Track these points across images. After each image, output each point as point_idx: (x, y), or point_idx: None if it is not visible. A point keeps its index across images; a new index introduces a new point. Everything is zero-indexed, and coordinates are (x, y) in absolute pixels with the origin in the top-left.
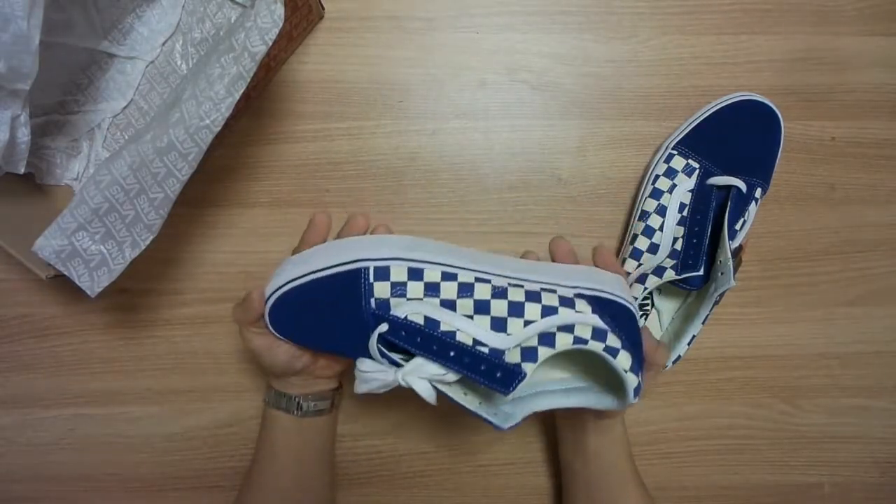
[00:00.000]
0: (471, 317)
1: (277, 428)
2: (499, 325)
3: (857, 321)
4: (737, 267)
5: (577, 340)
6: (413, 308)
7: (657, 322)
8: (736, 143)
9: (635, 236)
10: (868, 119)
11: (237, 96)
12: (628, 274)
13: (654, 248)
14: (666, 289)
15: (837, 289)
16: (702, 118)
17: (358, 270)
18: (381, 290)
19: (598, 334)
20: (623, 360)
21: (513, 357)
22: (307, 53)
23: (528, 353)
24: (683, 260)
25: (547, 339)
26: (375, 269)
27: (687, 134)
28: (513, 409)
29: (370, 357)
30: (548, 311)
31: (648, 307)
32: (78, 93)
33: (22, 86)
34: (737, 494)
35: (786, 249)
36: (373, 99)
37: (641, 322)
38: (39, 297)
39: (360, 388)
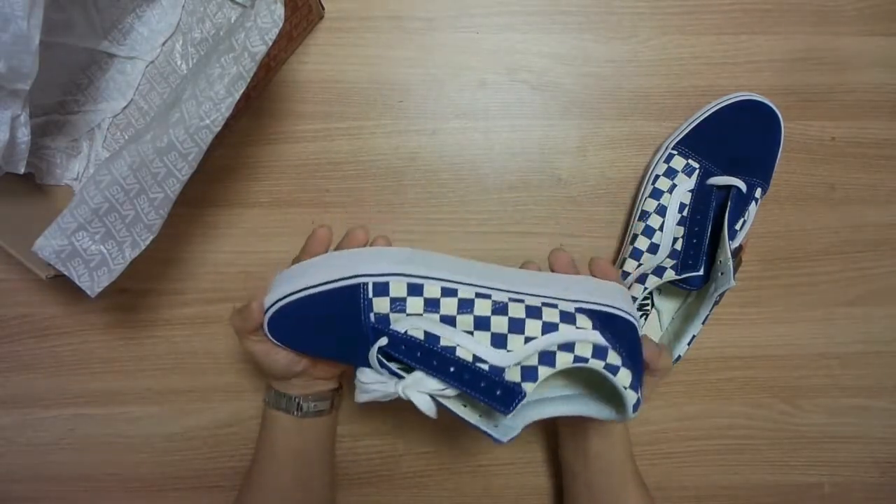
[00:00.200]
0: (471, 333)
1: (277, 428)
2: (499, 341)
3: (857, 321)
4: (737, 267)
5: (578, 359)
6: (413, 323)
7: (657, 322)
8: (736, 143)
9: (635, 236)
10: (868, 119)
11: (237, 96)
12: (627, 274)
13: (654, 248)
14: (666, 289)
15: (837, 289)
16: (702, 118)
17: (357, 286)
18: (381, 305)
19: (599, 352)
20: (623, 378)
21: (513, 375)
22: (307, 53)
23: (529, 373)
24: (683, 260)
25: (547, 358)
26: (374, 284)
27: (687, 134)
28: (513, 421)
29: (370, 367)
30: (548, 328)
31: (648, 307)
32: (78, 93)
33: (22, 86)
34: (737, 494)
35: (786, 249)
36: (373, 99)
37: (641, 322)
38: (39, 297)
39: (361, 397)
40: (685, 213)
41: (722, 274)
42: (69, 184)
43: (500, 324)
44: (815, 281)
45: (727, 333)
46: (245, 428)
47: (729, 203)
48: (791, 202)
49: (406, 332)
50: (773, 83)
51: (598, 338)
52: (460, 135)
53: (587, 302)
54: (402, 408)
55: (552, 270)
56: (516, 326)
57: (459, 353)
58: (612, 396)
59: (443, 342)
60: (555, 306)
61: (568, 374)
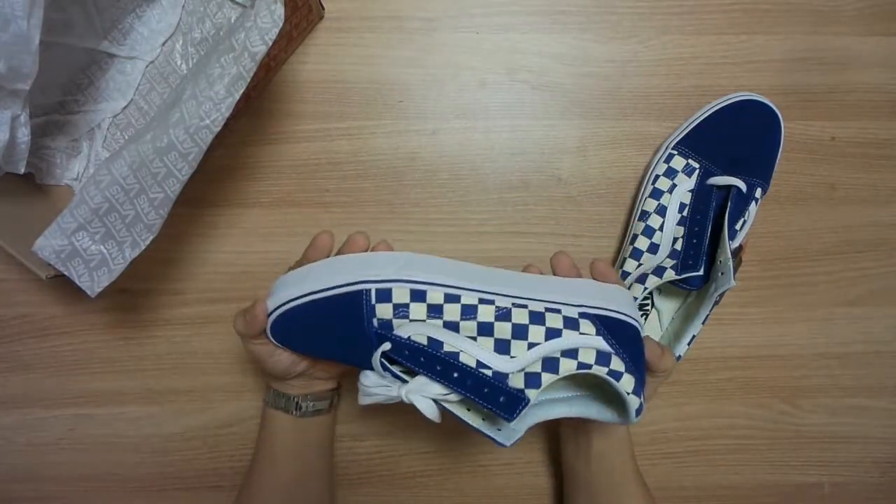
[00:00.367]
0: (474, 338)
1: (277, 428)
2: (502, 347)
3: (857, 321)
4: (737, 267)
5: (581, 366)
6: (416, 329)
7: (657, 322)
8: (736, 143)
9: (635, 236)
10: (868, 119)
11: (237, 96)
12: (628, 274)
13: (654, 248)
14: (666, 289)
15: (837, 289)
16: (702, 118)
17: (360, 292)
18: (384, 311)
19: (602, 358)
20: (626, 383)
21: (516, 382)
22: (307, 53)
23: (532, 379)
24: (683, 260)
25: (551, 364)
26: (377, 290)
27: (687, 134)
28: (516, 425)
29: (373, 370)
30: (552, 334)
31: (648, 307)
32: (78, 93)
33: (22, 86)
34: (737, 494)
35: (786, 249)
36: (373, 99)
37: (642, 322)
38: (39, 297)
39: (364, 400)
40: (685, 213)
41: (722, 274)
42: (69, 184)
43: (503, 330)
44: (815, 281)
45: (727, 333)
46: (245, 428)
47: (729, 203)
48: (791, 202)
49: (409, 337)
50: (773, 83)
51: (602, 343)
52: (460, 135)
53: (591, 306)
54: (402, 409)
55: (554, 273)
56: (520, 332)
57: (463, 358)
58: (614, 400)
59: (446, 347)
60: (558, 311)
61: (571, 377)
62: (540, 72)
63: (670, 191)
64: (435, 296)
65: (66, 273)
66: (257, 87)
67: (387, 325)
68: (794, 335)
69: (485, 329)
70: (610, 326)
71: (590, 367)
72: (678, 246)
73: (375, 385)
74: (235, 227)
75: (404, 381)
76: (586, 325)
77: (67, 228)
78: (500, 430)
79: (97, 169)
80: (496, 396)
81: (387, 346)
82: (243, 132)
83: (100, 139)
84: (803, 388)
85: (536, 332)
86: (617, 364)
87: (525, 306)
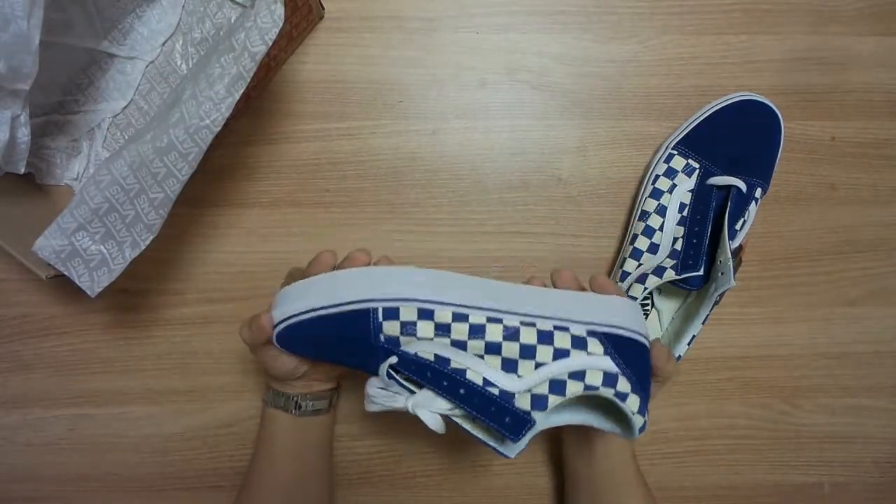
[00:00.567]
0: (482, 357)
1: (276, 427)
2: (510, 366)
3: (857, 321)
4: (737, 267)
5: (588, 388)
6: (423, 347)
7: (657, 322)
8: (736, 143)
9: (635, 236)
10: (868, 119)
11: (237, 96)
12: (628, 274)
13: (654, 248)
14: (666, 289)
15: (837, 289)
16: (702, 118)
17: (367, 311)
18: (391, 328)
19: (609, 379)
20: (632, 404)
21: (522, 402)
22: (307, 53)
23: (538, 401)
24: (683, 260)
25: (557, 387)
26: (384, 309)
27: (687, 134)
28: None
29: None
30: (560, 354)
31: (648, 307)
32: (78, 93)
33: (22, 86)
34: (737, 494)
35: (786, 249)
36: (373, 99)
37: (650, 336)
38: (39, 297)
39: (371, 407)
40: (685, 213)
41: (722, 274)
42: (69, 184)
43: (511, 349)
44: (815, 281)
45: (727, 333)
46: (244, 428)
47: (729, 203)
48: (791, 202)
49: (416, 353)
50: (773, 83)
51: (609, 364)
52: (460, 135)
53: (599, 324)
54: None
55: (555, 287)
56: (527, 352)
57: (470, 375)
58: (617, 414)
59: (453, 364)
60: (566, 329)
61: None
62: (540, 72)
63: (670, 191)
64: (443, 314)
65: (66, 273)
66: (257, 87)
67: (394, 341)
68: (794, 335)
69: (492, 348)
70: (618, 345)
71: (597, 388)
72: (678, 246)
73: (382, 396)
74: (235, 227)
75: (411, 392)
76: (594, 345)
77: (67, 228)
78: (503, 441)
79: (97, 169)
80: (502, 417)
81: (393, 359)
82: (243, 132)
83: (100, 139)
84: (803, 388)
85: (544, 352)
86: (623, 385)
87: (533, 324)
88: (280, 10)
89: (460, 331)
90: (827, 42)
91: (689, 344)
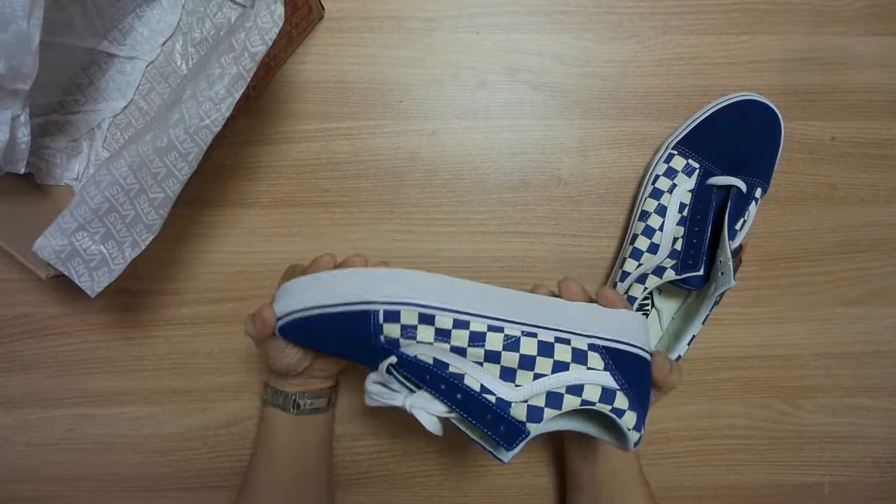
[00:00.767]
0: (480, 364)
1: (275, 426)
2: (508, 375)
3: (857, 321)
4: (737, 267)
5: (585, 402)
6: (423, 350)
7: (657, 322)
8: (736, 143)
9: (635, 236)
10: (868, 119)
11: (237, 96)
12: (628, 274)
13: (654, 248)
14: (666, 289)
15: (837, 289)
16: (702, 118)
17: (367, 312)
18: (391, 330)
19: (607, 395)
20: (628, 420)
21: (518, 412)
22: (307, 53)
23: (534, 413)
24: (683, 260)
25: (554, 400)
26: (386, 312)
27: (687, 134)
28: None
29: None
30: (559, 367)
31: (648, 307)
32: (78, 93)
33: (22, 86)
34: (737, 494)
35: (786, 249)
36: (373, 99)
37: (652, 349)
38: (39, 297)
39: (370, 402)
40: (685, 213)
41: (722, 274)
42: (69, 184)
43: (510, 359)
44: (815, 281)
45: (727, 333)
46: (244, 428)
47: (729, 203)
48: (791, 202)
49: (416, 356)
50: (773, 83)
51: (608, 380)
52: (460, 135)
53: (601, 337)
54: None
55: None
56: (527, 363)
57: (467, 381)
58: (614, 428)
59: (451, 369)
60: (567, 342)
61: None
62: (540, 72)
63: (670, 191)
64: (443, 320)
65: (66, 273)
66: (257, 87)
67: (394, 342)
68: (794, 335)
69: (492, 356)
70: (619, 360)
71: (594, 403)
72: (678, 246)
73: (381, 392)
74: (235, 227)
75: (410, 390)
76: (594, 359)
77: (67, 228)
78: (498, 447)
79: (97, 169)
80: (497, 425)
81: (393, 359)
82: (243, 132)
83: (100, 139)
84: (803, 388)
85: (544, 364)
86: (621, 401)
87: (534, 335)
88: (280, 10)
89: (460, 337)
90: (827, 42)
91: (689, 344)
